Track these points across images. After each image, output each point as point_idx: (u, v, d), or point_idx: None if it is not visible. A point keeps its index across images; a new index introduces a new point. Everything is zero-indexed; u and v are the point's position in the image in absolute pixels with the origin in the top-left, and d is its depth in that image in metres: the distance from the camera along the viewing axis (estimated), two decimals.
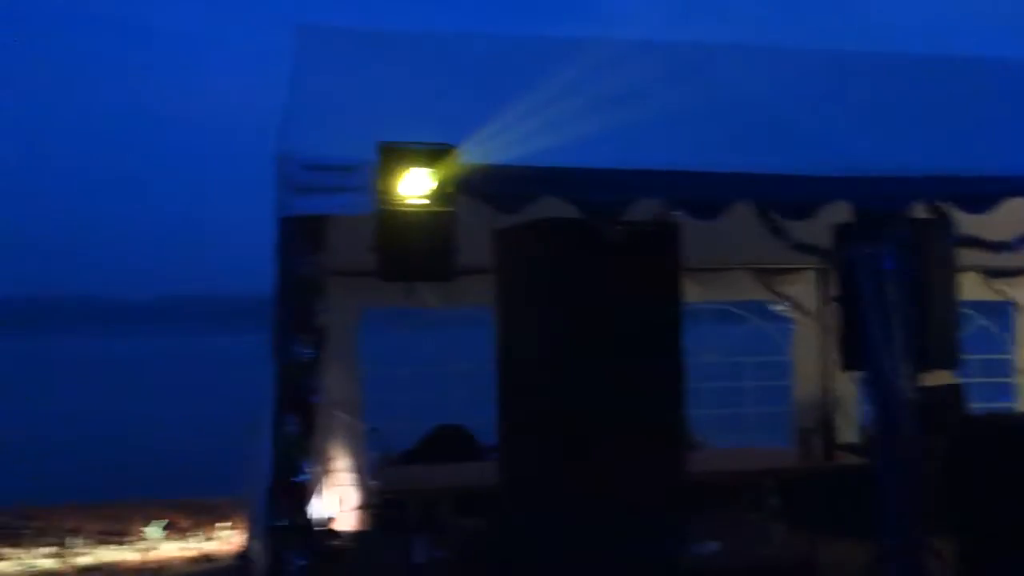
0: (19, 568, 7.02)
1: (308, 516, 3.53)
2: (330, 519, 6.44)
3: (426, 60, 4.87)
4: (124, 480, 12.05)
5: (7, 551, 7.49)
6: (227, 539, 7.93)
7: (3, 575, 6.81)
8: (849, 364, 4.46)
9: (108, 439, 16.60)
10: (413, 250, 3.46)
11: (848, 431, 7.16)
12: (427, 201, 3.45)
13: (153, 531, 7.87)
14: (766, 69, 5.90)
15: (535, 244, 4.06)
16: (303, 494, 3.50)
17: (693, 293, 5.72)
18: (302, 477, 3.48)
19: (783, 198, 3.98)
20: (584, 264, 4.11)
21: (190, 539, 7.97)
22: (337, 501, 6.97)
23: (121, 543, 7.74)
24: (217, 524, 8.17)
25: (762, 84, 5.58)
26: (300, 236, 3.47)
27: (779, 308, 7.89)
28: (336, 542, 5.94)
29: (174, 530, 8.10)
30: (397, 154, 3.46)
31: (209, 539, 7.98)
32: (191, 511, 8.77)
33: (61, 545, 7.60)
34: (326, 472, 6.75)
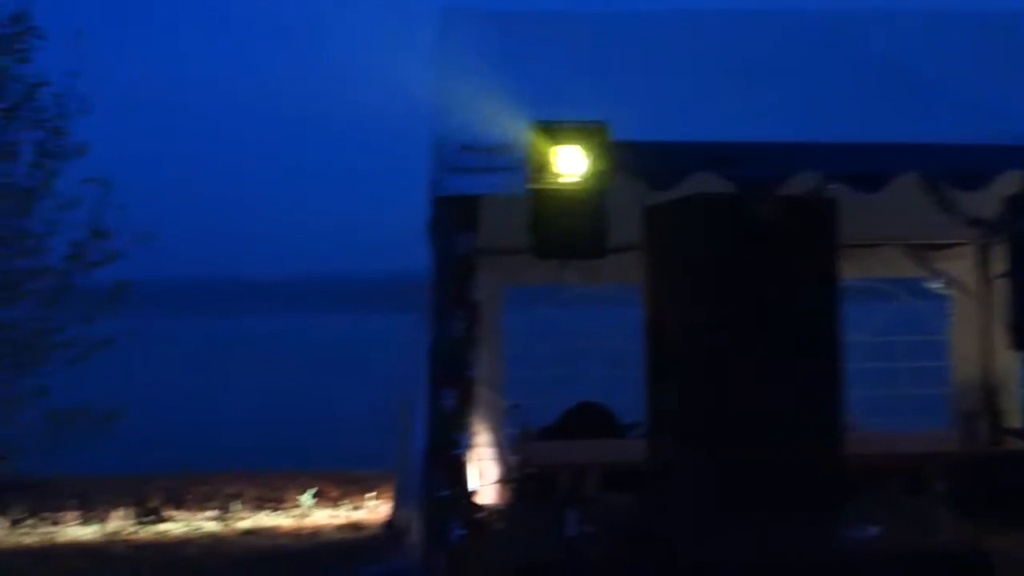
0: (186, 529, 7.50)
1: (466, 488, 3.61)
2: (473, 492, 6.58)
3: (573, 38, 4.86)
4: (278, 451, 12.69)
5: (175, 514, 8.02)
6: (373, 509, 8.23)
7: (173, 535, 7.30)
8: (1020, 344, 4.22)
9: (261, 413, 17.52)
10: (567, 228, 3.47)
11: (1014, 415, 6.77)
12: (580, 179, 3.46)
13: (306, 499, 8.24)
14: (918, 32, 5.59)
15: (687, 221, 4.00)
16: (461, 466, 3.59)
17: (843, 270, 5.53)
18: (459, 450, 3.57)
19: (954, 168, 3.77)
20: (737, 241, 4.02)
21: (339, 508, 8.32)
22: (477, 475, 7.12)
23: (276, 509, 8.15)
24: (365, 495, 8.49)
25: (915, 48, 5.30)
26: (455, 215, 3.55)
27: (935, 285, 7.51)
28: (482, 515, 6.07)
29: (324, 499, 8.46)
30: (550, 132, 3.48)
31: (356, 508, 8.30)
32: (339, 482, 9.15)
33: (223, 510, 8.07)
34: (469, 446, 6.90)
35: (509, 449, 7.05)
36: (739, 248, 4.04)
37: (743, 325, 4.04)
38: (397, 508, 7.14)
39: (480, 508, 6.37)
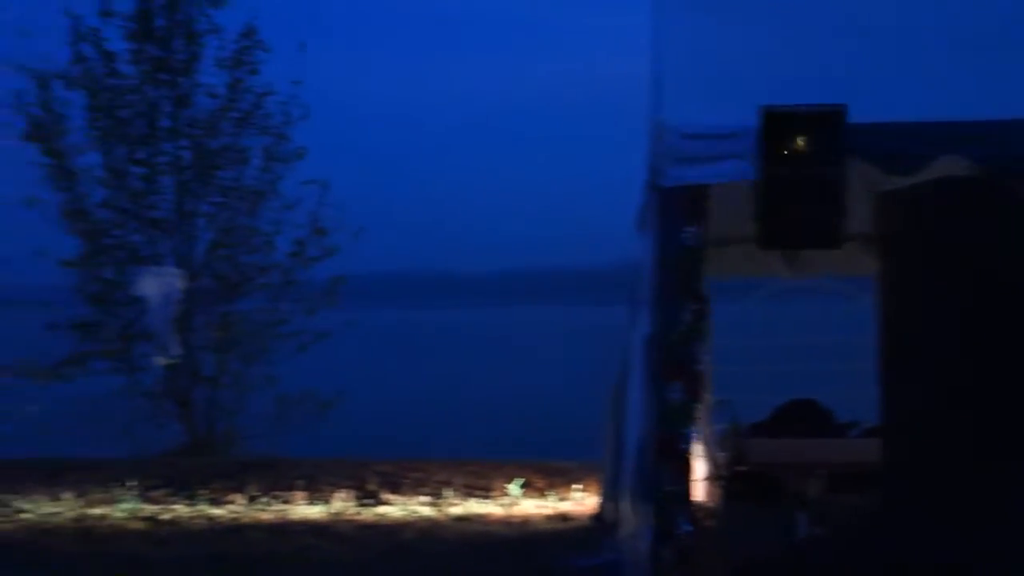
0: (403, 512, 7.85)
1: (691, 483, 3.55)
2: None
3: (801, 16, 4.64)
4: (485, 441, 13.07)
5: (392, 497, 8.41)
6: (580, 500, 8.28)
7: (391, 518, 7.65)
8: None
9: (468, 402, 18.11)
10: (798, 217, 3.33)
11: None
12: (813, 165, 3.31)
13: (514, 488, 8.40)
14: None
15: (929, 207, 3.73)
16: (688, 461, 3.53)
17: None
18: (686, 444, 3.52)
19: None
20: (989, 228, 3.71)
21: (546, 498, 8.43)
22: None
23: (485, 497, 8.35)
24: (571, 486, 8.55)
25: None
26: (682, 206, 3.49)
27: None
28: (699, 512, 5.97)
29: (530, 489, 8.60)
30: (780, 118, 3.35)
31: (563, 499, 8.38)
32: (544, 472, 9.27)
33: (436, 495, 8.37)
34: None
35: (717, 446, 6.90)
36: (990, 236, 3.72)
37: (995, 318, 3.72)
38: (606, 501, 7.15)
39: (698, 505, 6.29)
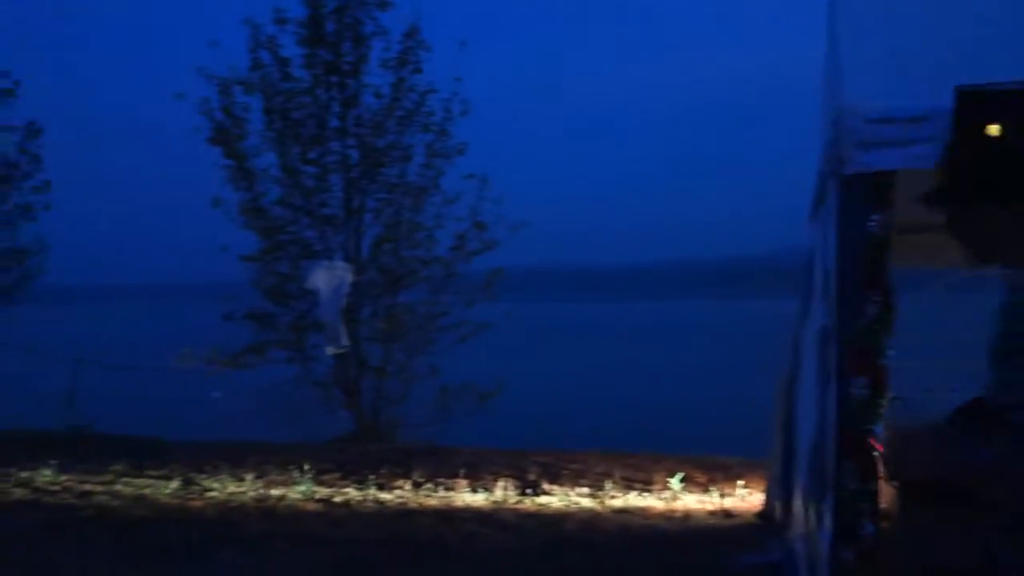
0: (564, 503, 7.90)
1: (876, 483, 3.40)
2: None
3: None
4: (641, 433, 12.99)
5: (552, 488, 8.48)
6: (744, 497, 8.10)
7: (552, 508, 7.72)
8: None
9: (624, 394, 18.09)
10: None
11: None
12: (1010, 150, 3.07)
13: (675, 483, 8.30)
14: None
15: None
16: (873, 460, 3.38)
17: None
18: (871, 442, 3.36)
19: None
20: None
21: (708, 493, 8.29)
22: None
23: (645, 490, 8.30)
24: (733, 481, 8.37)
25: None
26: (868, 193, 3.32)
27: None
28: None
29: (691, 483, 8.47)
30: (978, 98, 3.12)
31: (725, 495, 8.22)
32: (704, 467, 9.12)
33: (595, 487, 8.39)
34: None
35: (893, 446, 6.57)
36: None
37: None
38: (772, 499, 6.96)
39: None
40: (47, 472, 8.30)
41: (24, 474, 8.36)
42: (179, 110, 11.40)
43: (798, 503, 5.09)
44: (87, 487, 7.85)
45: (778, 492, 6.71)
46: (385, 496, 8.05)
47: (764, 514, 7.10)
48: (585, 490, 8.35)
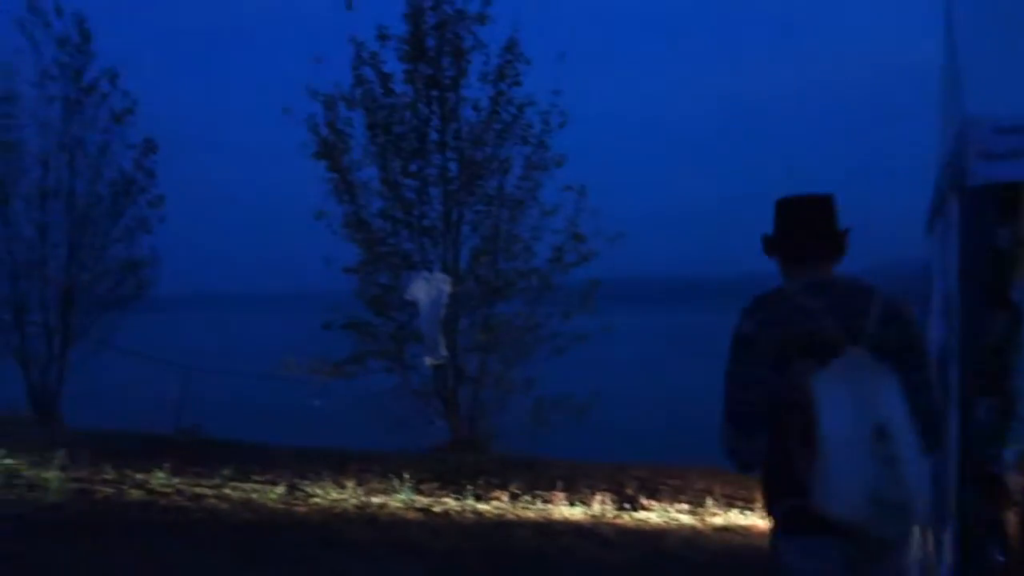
0: (663, 519, 7.79)
1: (1004, 509, 3.24)
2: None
3: None
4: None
5: (650, 503, 8.38)
6: None
7: (651, 524, 7.62)
8: None
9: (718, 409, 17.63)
10: None
11: None
12: None
13: None
14: None
15: None
16: (1000, 485, 3.22)
17: None
18: (999, 466, 3.21)
19: None
20: None
21: None
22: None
23: (747, 509, 8.11)
24: None
25: None
26: (993, 206, 3.18)
27: None
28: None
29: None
30: None
31: None
32: None
33: (695, 504, 8.24)
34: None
35: (1017, 469, 6.25)
36: None
37: None
38: None
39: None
40: (161, 475, 8.64)
41: (140, 476, 8.72)
42: (287, 127, 11.77)
43: (914, 529, 4.89)
44: (198, 490, 8.13)
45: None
46: (483, 507, 8.10)
47: None
48: (685, 506, 8.22)
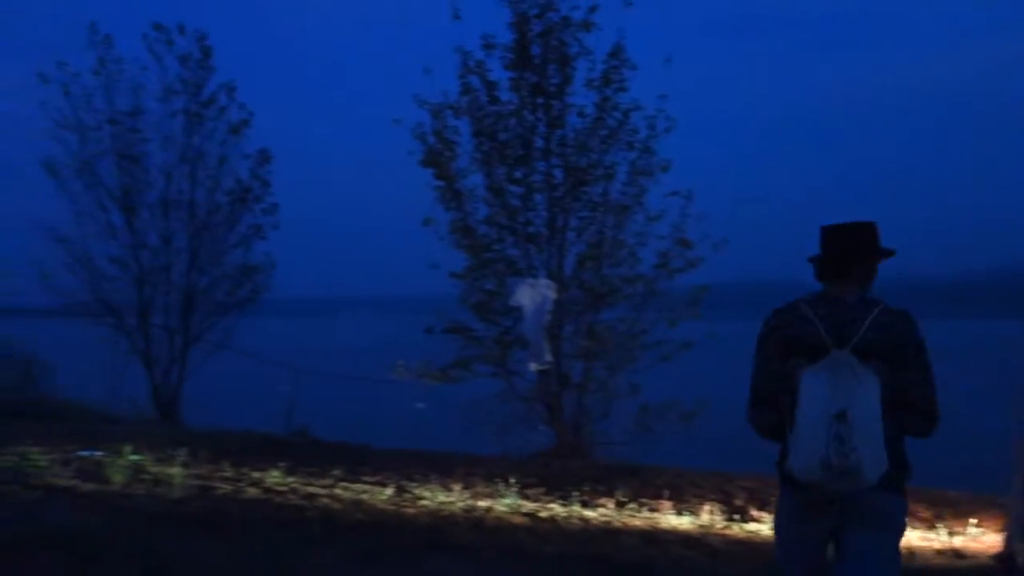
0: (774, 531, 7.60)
1: None
2: None
3: None
4: None
5: (761, 514, 8.20)
6: (976, 537, 7.50)
7: (763, 536, 7.44)
8: None
9: None
10: None
11: None
12: None
13: None
14: None
15: None
16: None
17: None
18: None
19: None
20: None
21: (934, 530, 7.74)
22: None
23: None
24: (964, 519, 7.77)
25: None
26: None
27: None
28: None
29: (914, 518, 7.92)
30: None
31: (954, 534, 7.64)
32: (931, 502, 8.53)
33: None
34: None
35: None
36: None
37: None
38: (1012, 542, 6.41)
39: None
40: (276, 474, 8.93)
41: (256, 474, 9.03)
42: (396, 136, 12.03)
43: None
44: (311, 489, 8.37)
45: (1022, 535, 6.18)
46: (589, 513, 8.08)
47: (1002, 557, 6.54)
48: None
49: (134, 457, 9.06)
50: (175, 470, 8.45)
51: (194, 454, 9.49)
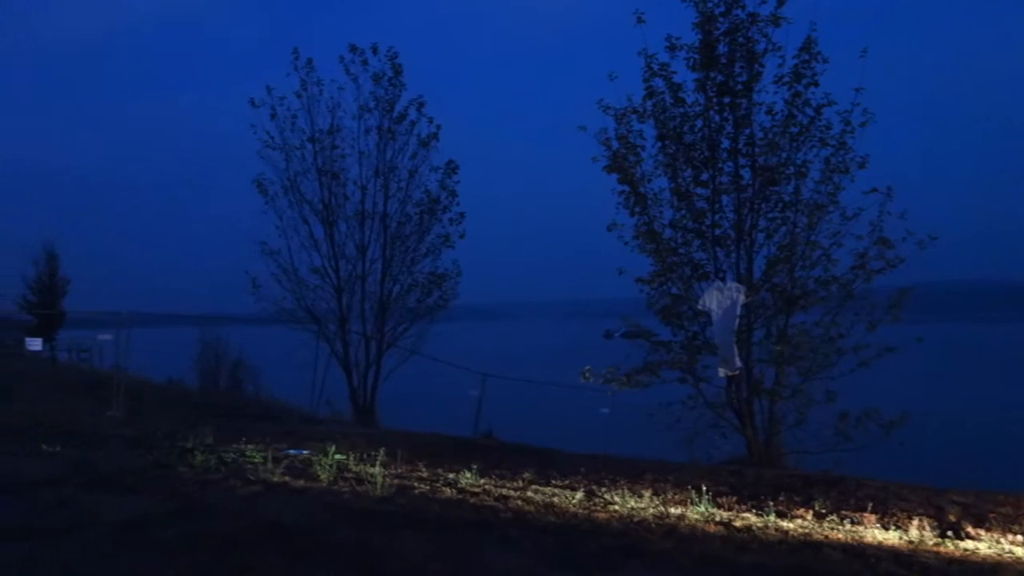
0: (992, 550, 7.05)
1: None
2: None
3: None
4: None
5: (978, 532, 7.62)
6: None
7: (980, 555, 6.93)
8: None
9: None
10: None
11: None
12: None
13: None
14: None
15: None
16: None
17: None
18: None
19: None
20: None
21: None
22: None
23: None
24: None
25: None
26: None
27: None
28: None
29: None
30: None
31: None
32: None
33: None
34: None
35: None
36: None
37: None
38: None
39: None
40: (468, 475, 9.18)
41: (450, 475, 9.33)
42: (581, 142, 12.12)
43: None
44: (503, 491, 8.55)
45: None
46: (786, 524, 7.79)
47: None
48: (1020, 538, 7.39)
49: (338, 456, 9.57)
50: (376, 469, 8.87)
51: (392, 454, 9.92)
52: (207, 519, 6.54)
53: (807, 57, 11.12)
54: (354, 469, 9.26)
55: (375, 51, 16.85)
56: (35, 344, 37.78)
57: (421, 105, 16.96)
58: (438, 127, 17.07)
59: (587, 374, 12.25)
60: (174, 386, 27.60)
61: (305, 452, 10.32)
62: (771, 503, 8.56)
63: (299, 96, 16.95)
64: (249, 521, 6.52)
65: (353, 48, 16.78)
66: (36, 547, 5.70)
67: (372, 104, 16.90)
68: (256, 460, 9.31)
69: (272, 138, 16.95)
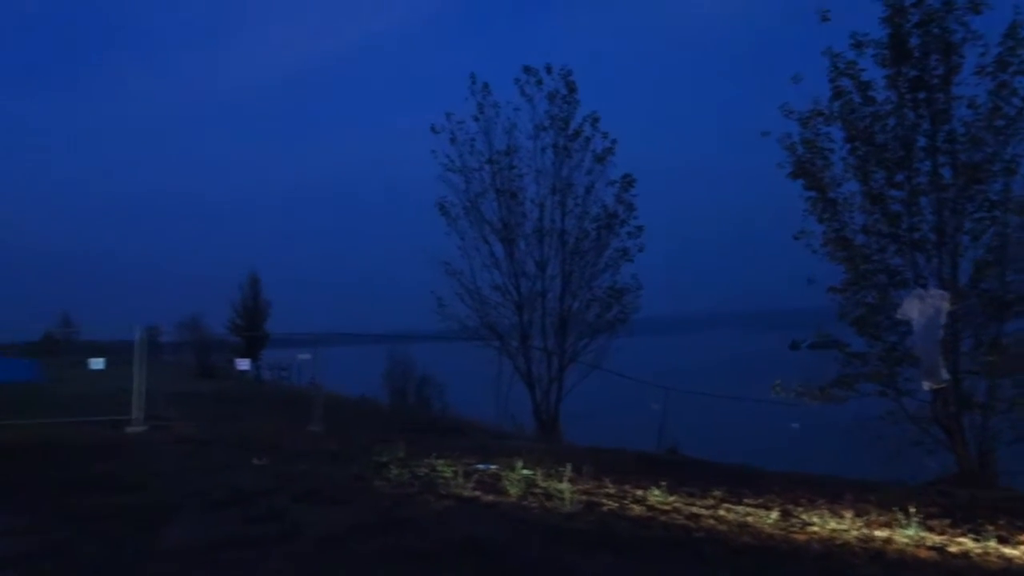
0: None
1: None
2: None
3: None
4: None
5: None
6: None
7: None
8: None
9: None
10: None
11: None
12: None
13: None
14: None
15: None
16: None
17: None
18: None
19: None
20: None
21: None
22: None
23: None
24: None
25: None
26: None
27: None
28: None
29: None
30: None
31: None
32: None
33: None
34: None
35: None
36: None
37: None
38: None
39: None
40: (657, 492, 9.03)
41: (638, 492, 9.21)
42: (766, 149, 11.76)
43: None
44: (694, 509, 8.34)
45: None
46: (1010, 551, 7.17)
47: None
48: None
49: (525, 472, 9.67)
50: (563, 485, 8.88)
51: (577, 470, 9.91)
52: (404, 532, 6.76)
53: (1012, 44, 10.29)
54: (542, 484, 9.31)
55: (549, 70, 17.05)
56: (244, 364, 40.60)
57: (596, 120, 17.00)
58: (613, 141, 17.05)
59: (778, 388, 11.79)
60: (367, 402, 28.91)
61: (493, 467, 10.49)
62: (990, 527, 7.90)
63: (476, 119, 17.39)
64: (445, 536, 6.68)
65: (527, 69, 17.05)
66: (253, 556, 6.09)
67: (547, 123, 17.09)
68: (447, 474, 9.55)
69: (452, 161, 17.47)
